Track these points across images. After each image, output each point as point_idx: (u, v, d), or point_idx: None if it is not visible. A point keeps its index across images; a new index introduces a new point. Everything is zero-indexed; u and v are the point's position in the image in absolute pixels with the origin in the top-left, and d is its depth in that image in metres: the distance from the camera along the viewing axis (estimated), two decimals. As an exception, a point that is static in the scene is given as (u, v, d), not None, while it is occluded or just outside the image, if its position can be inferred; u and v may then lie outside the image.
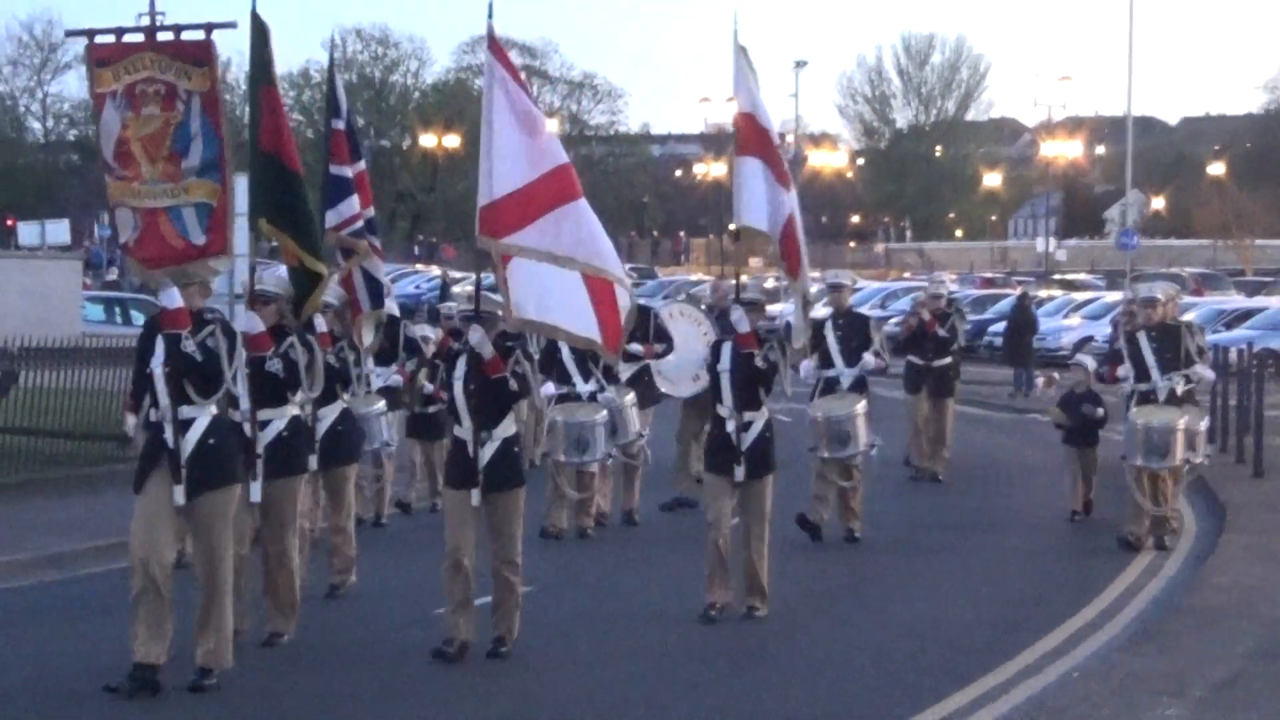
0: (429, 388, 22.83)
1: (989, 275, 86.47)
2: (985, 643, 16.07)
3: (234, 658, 13.87)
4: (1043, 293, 61.90)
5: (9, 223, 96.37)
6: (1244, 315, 52.54)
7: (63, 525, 21.08)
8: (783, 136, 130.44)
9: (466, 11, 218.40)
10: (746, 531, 16.72)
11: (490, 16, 14.97)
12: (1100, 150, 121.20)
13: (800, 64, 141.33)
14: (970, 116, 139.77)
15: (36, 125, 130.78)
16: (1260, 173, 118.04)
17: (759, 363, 16.37)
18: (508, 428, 14.95)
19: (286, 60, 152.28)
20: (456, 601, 14.79)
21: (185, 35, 14.56)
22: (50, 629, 16.22)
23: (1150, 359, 20.47)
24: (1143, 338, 20.69)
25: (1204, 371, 21.32)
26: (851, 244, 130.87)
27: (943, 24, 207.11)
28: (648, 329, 22.84)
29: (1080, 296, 60.50)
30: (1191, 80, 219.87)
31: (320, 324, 17.16)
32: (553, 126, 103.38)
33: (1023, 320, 44.46)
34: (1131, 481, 20.55)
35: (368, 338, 18.80)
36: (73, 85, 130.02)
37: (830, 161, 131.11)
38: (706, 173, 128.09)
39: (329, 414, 17.45)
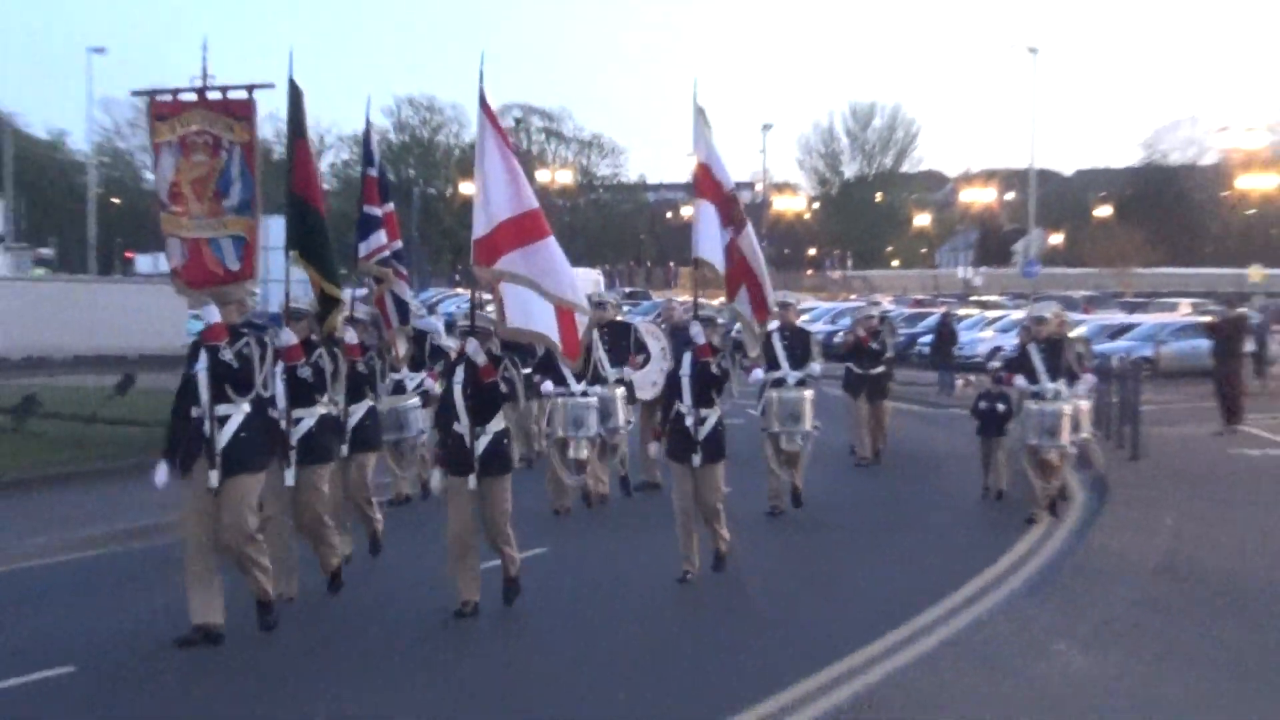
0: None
1: (919, 297, 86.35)
2: (913, 594, 16.05)
3: (278, 619, 13.97)
4: (962, 311, 61.73)
5: (127, 255, 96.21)
6: (1124, 329, 52.62)
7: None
8: (752, 185, 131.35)
9: (496, 84, 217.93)
10: (706, 505, 16.64)
11: (481, 81, 14.92)
12: (1009, 196, 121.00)
13: (767, 126, 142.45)
14: (904, 169, 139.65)
15: (150, 176, 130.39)
16: (1138, 215, 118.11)
17: (714, 369, 16.47)
18: (498, 424, 14.76)
19: (351, 122, 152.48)
20: (464, 569, 14.68)
21: (231, 95, 14.63)
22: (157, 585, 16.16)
23: (1040, 366, 20.72)
24: (1033, 349, 21.04)
25: (1086, 382, 21.37)
26: (809, 271, 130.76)
27: (882, 94, 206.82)
28: (629, 342, 22.83)
29: (992, 314, 60.48)
30: (1084, 138, 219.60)
31: (351, 336, 17.03)
32: (566, 177, 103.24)
33: (945, 333, 44.48)
34: (1027, 462, 20.75)
35: (401, 348, 18.84)
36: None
37: (791, 205, 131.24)
38: (690, 216, 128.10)
39: (358, 410, 17.34)
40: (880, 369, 28.20)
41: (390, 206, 18.99)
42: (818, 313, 64.44)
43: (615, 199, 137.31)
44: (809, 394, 21.32)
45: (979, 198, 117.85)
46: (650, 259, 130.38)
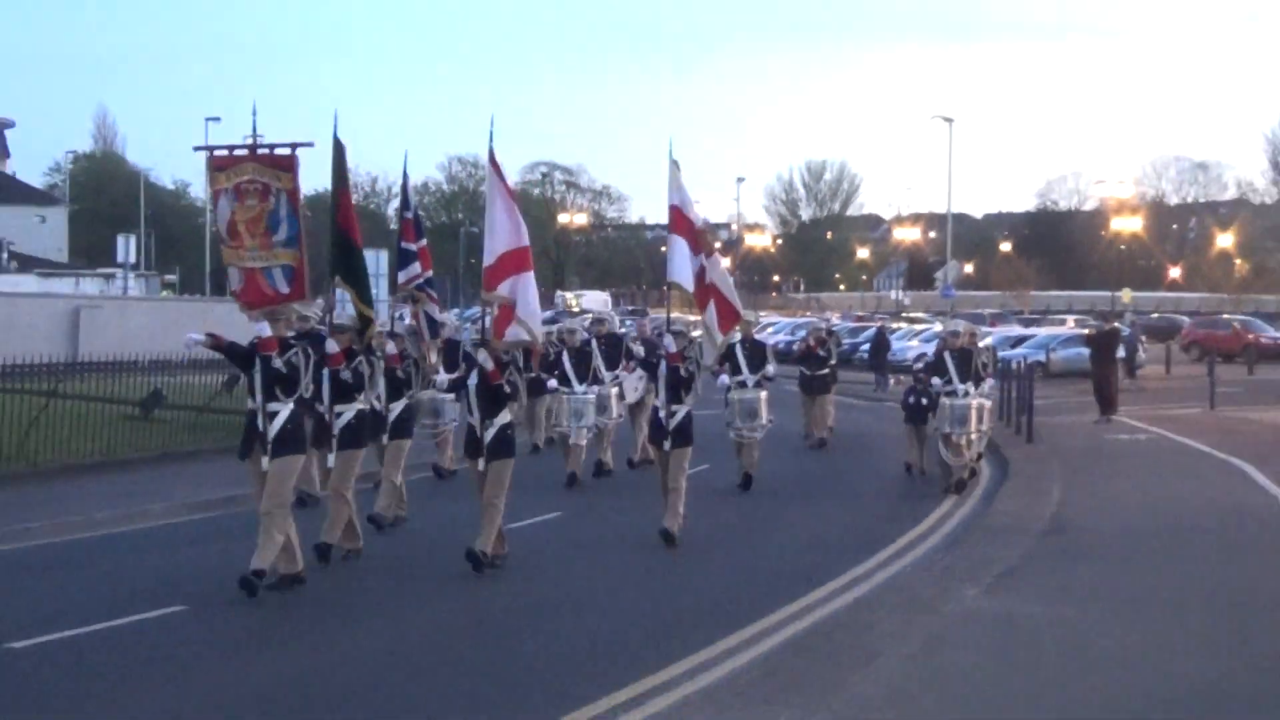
0: None
1: (860, 313, 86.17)
2: (850, 549, 15.99)
3: (256, 590, 13.13)
4: (894, 325, 61.75)
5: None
6: (1022, 339, 52.67)
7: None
8: (728, 225, 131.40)
9: (531, 144, 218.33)
10: (672, 480, 16.37)
11: (490, 141, 14.96)
12: (931, 234, 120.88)
13: (740, 179, 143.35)
14: (849, 212, 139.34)
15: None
16: (1033, 249, 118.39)
17: (683, 372, 16.53)
18: (504, 417, 14.62)
19: (411, 175, 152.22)
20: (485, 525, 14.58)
21: (278, 151, 14.68)
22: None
23: (953, 370, 20.78)
24: (948, 356, 21.07)
25: (987, 384, 21.33)
26: (774, 294, 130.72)
27: (832, 152, 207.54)
28: (620, 352, 23.05)
29: (918, 327, 60.41)
30: (990, 187, 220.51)
31: (391, 347, 16.95)
32: (582, 219, 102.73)
33: (881, 342, 44.47)
34: (940, 445, 20.85)
35: (433, 357, 18.48)
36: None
37: (759, 241, 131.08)
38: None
39: (397, 407, 17.19)
40: (825, 371, 28.17)
41: (424, 242, 18.72)
42: (779, 326, 64.37)
43: (621, 236, 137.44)
44: (764, 394, 21.33)
45: (908, 235, 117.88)
46: (647, 283, 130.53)
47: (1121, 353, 40.46)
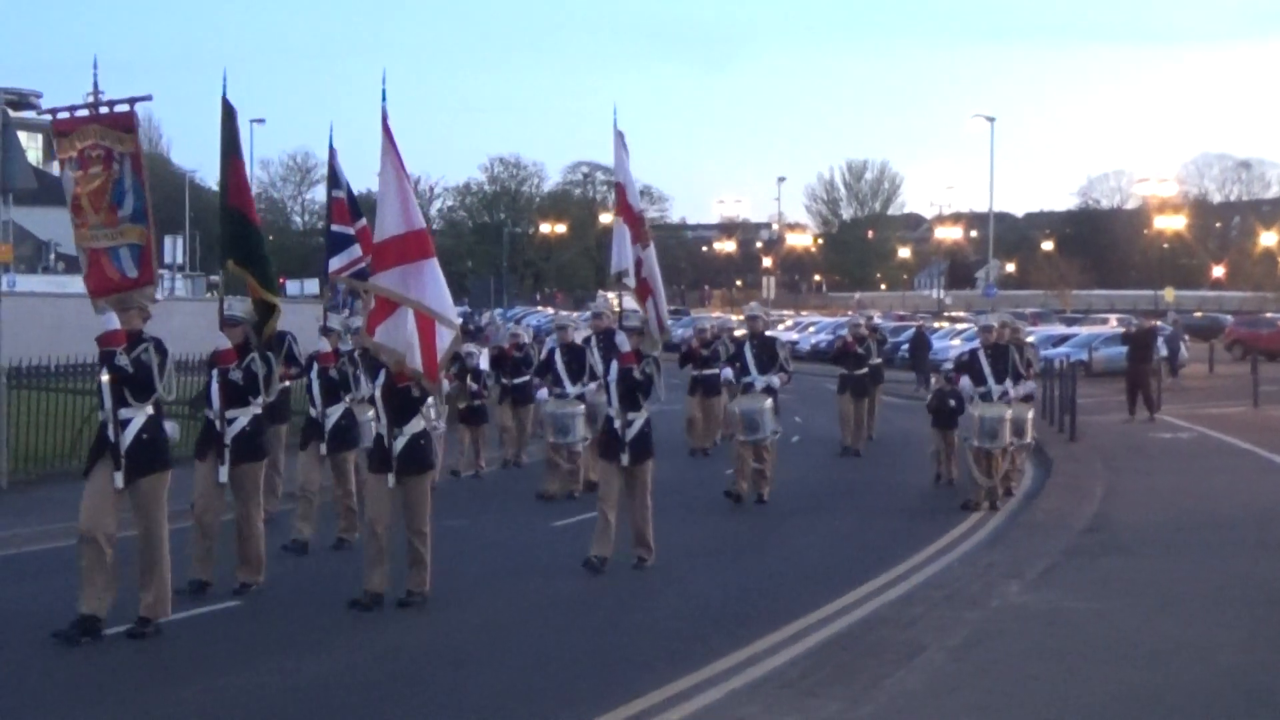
0: (474, 388, 22.72)
1: (901, 313, 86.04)
2: (892, 548, 16.09)
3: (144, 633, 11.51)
4: (935, 324, 61.71)
5: (281, 280, 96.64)
6: (1064, 338, 52.79)
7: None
8: (770, 224, 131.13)
9: (572, 144, 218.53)
10: (634, 503, 14.68)
11: (384, 101, 12.78)
12: (973, 233, 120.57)
13: (781, 178, 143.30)
14: (890, 212, 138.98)
15: (297, 219, 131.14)
16: (1075, 248, 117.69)
17: (637, 374, 14.59)
18: (416, 425, 12.79)
19: (455, 175, 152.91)
20: (370, 559, 12.72)
21: (117, 109, 12.20)
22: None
23: (987, 370, 18.98)
24: (981, 354, 19.25)
25: (1024, 386, 19.42)
26: (816, 293, 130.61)
27: (874, 152, 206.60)
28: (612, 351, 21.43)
29: (960, 326, 60.38)
30: (1032, 186, 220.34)
31: (324, 345, 15.65)
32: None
33: (921, 342, 44.44)
34: (970, 459, 19.02)
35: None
36: (321, 193, 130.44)
37: (801, 241, 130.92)
38: (721, 249, 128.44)
39: (334, 413, 15.81)
40: (864, 370, 26.98)
41: (363, 223, 16.80)
42: (821, 325, 64.47)
43: (661, 236, 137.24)
44: (769, 402, 19.32)
45: (949, 234, 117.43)
46: (687, 284, 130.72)
47: (1164, 351, 40.52)
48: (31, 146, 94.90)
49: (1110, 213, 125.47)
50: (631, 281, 15.66)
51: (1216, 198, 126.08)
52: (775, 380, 19.54)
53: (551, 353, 20.87)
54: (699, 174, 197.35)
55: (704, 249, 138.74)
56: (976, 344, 20.17)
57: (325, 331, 16.00)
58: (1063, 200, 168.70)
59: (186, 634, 11.69)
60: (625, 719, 9.29)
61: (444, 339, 12.67)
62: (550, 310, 74.41)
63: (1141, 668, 10.06)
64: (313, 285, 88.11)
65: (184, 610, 12.20)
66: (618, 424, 14.63)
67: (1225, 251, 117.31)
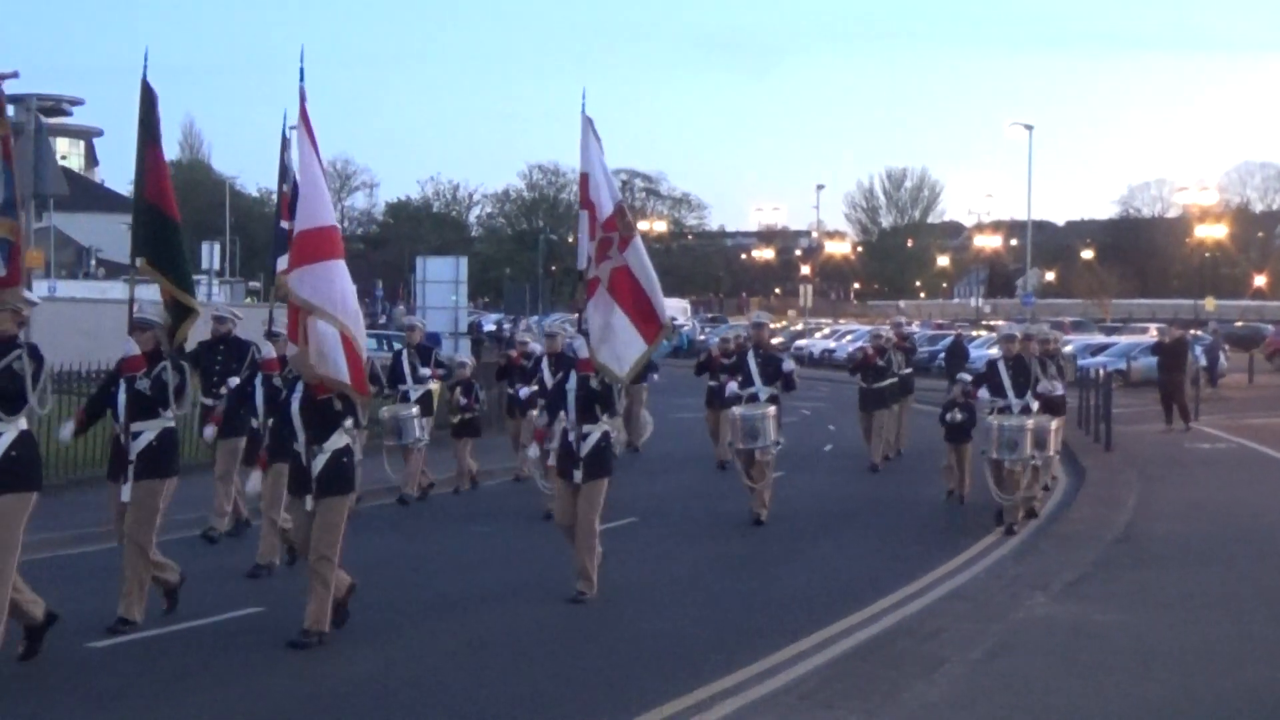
0: (463, 401, 21.55)
1: (940, 321, 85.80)
2: (917, 559, 15.98)
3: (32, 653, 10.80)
4: (973, 333, 61.49)
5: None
6: (1102, 347, 52.67)
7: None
8: (809, 232, 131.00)
9: (612, 151, 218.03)
10: (578, 525, 13.32)
11: (301, 80, 11.50)
12: (1013, 241, 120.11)
13: (820, 186, 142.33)
14: (929, 220, 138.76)
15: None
16: (1116, 256, 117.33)
17: (594, 384, 13.30)
18: (338, 441, 11.51)
19: (492, 183, 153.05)
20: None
21: None
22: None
23: (1006, 382, 17.82)
24: (1001, 365, 18.04)
25: (1049, 385, 18.02)
26: (854, 301, 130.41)
27: (913, 160, 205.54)
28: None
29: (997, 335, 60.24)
30: (1072, 194, 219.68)
31: (270, 351, 14.22)
32: (661, 227, 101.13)
33: (957, 350, 44.17)
34: (988, 473, 17.88)
35: None
36: (361, 200, 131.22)
37: (840, 249, 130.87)
38: (760, 257, 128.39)
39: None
40: (885, 383, 25.51)
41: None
42: (859, 334, 64.17)
43: (700, 244, 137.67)
44: (772, 410, 18.15)
45: (989, 243, 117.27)
46: (725, 292, 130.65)
47: (1203, 361, 40.22)
48: (73, 153, 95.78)
49: (1151, 221, 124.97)
50: (585, 282, 13.89)
51: (1258, 206, 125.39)
52: (778, 391, 18.53)
53: (538, 362, 20.09)
54: (738, 181, 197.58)
55: (742, 256, 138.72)
56: (996, 355, 18.82)
57: (270, 336, 14.61)
58: (1103, 209, 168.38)
59: (209, 639, 11.72)
60: (639, 729, 9.26)
61: (360, 346, 11.49)
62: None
63: (1165, 681, 9.96)
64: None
65: (210, 616, 12.27)
66: (572, 437, 13.38)
67: (1266, 261, 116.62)
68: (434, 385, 20.90)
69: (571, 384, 13.55)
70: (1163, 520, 17.90)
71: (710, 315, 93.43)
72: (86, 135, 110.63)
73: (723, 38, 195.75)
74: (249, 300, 77.57)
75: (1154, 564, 14.80)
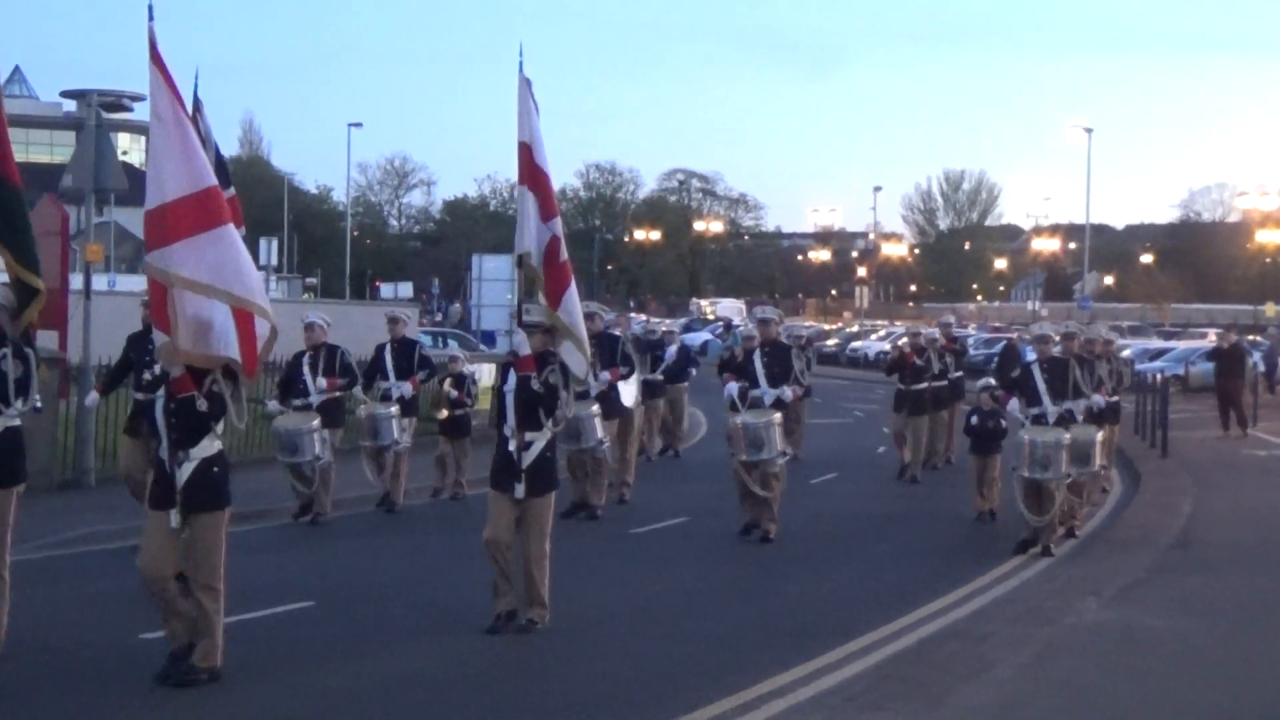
0: (454, 394, 19.92)
1: (996, 324, 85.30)
2: (969, 563, 15.89)
3: None
4: (1028, 336, 61.14)
5: (375, 284, 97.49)
6: (1161, 352, 52.33)
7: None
8: (866, 234, 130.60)
9: (669, 151, 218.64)
10: (526, 547, 11.73)
11: (151, 19, 9.67)
12: (1071, 245, 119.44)
13: (878, 188, 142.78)
14: (987, 223, 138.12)
15: (394, 223, 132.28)
16: (1174, 262, 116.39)
17: (534, 385, 11.60)
18: (208, 448, 9.87)
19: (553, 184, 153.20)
20: (165, 618, 10.12)
21: None
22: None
23: (1041, 387, 15.96)
24: (1036, 369, 16.22)
25: (1093, 399, 16.24)
26: (909, 304, 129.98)
27: (971, 162, 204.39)
28: (615, 355, 18.66)
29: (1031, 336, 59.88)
30: (1131, 198, 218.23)
31: None
32: (718, 227, 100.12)
33: (1011, 354, 43.85)
34: (1017, 492, 16.03)
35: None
36: (418, 197, 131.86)
37: (896, 251, 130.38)
38: (816, 258, 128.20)
39: None
40: (922, 385, 23.72)
41: (231, 192, 14.37)
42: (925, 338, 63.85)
43: (756, 245, 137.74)
44: (776, 417, 16.53)
45: (1047, 246, 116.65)
46: (781, 293, 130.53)
47: (1263, 367, 39.87)
48: (135, 148, 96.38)
49: (1211, 226, 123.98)
50: (537, 261, 12.30)
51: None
52: (787, 393, 16.91)
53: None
54: (795, 182, 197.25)
55: (799, 258, 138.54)
56: (1031, 357, 17.06)
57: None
58: (1163, 213, 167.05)
59: (261, 632, 11.74)
60: (687, 728, 9.26)
61: (261, 325, 10.00)
62: (643, 316, 74.38)
63: (1215, 687, 9.91)
64: (406, 289, 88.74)
65: (257, 610, 12.25)
66: (513, 446, 11.69)
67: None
68: (408, 389, 19.10)
69: (510, 385, 11.80)
70: (1218, 526, 17.79)
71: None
72: (146, 131, 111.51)
73: (782, 39, 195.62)
74: (306, 296, 78.01)
75: (1209, 570, 14.72)
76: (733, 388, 17.07)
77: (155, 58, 9.73)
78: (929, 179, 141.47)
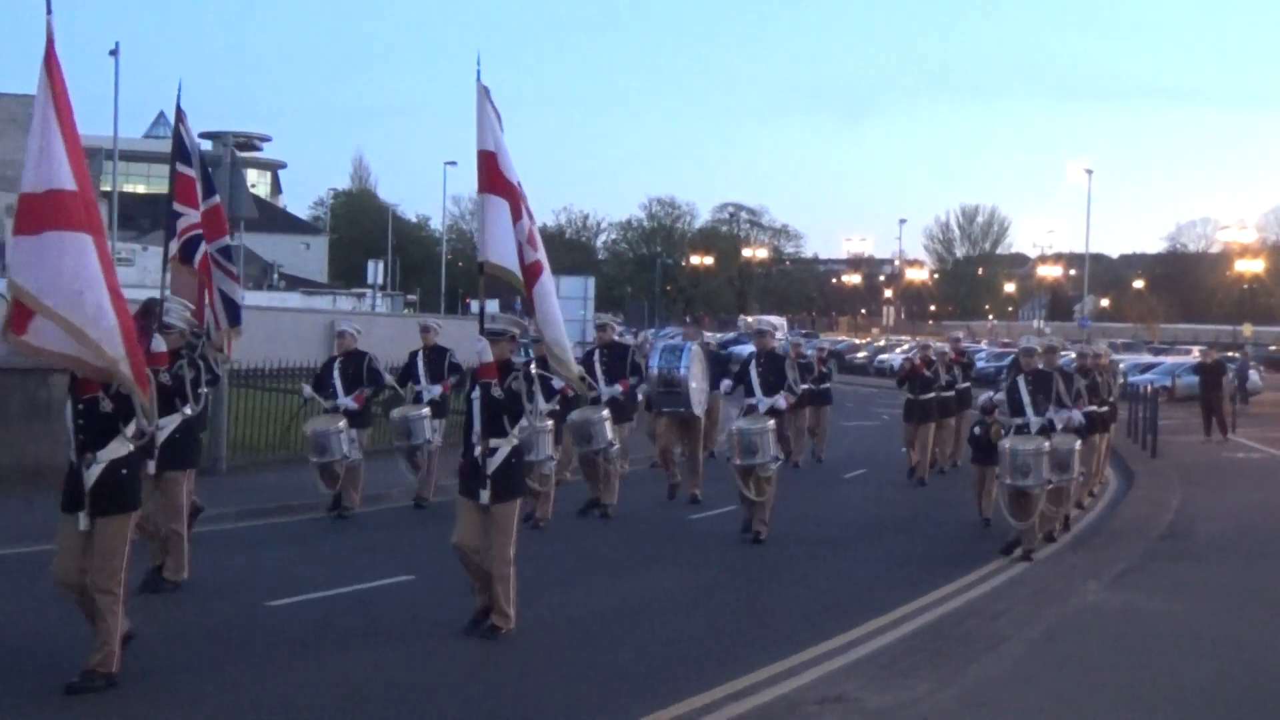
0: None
1: (1005, 340, 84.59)
2: (983, 551, 15.68)
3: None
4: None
5: (465, 300, 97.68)
6: (1150, 366, 52.31)
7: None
8: (891, 261, 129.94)
9: (721, 186, 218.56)
10: (491, 553, 10.45)
11: (50, 12, 8.11)
12: (1072, 272, 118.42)
13: (902, 220, 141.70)
14: (999, 251, 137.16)
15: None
16: (1163, 287, 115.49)
17: (494, 392, 10.51)
18: (116, 449, 8.64)
19: (617, 213, 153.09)
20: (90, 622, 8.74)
21: None
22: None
23: (1025, 400, 14.81)
24: (1021, 382, 15.01)
25: (1068, 414, 14.87)
26: (930, 322, 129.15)
27: (984, 197, 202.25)
28: (625, 365, 17.48)
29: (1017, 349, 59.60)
30: (1125, 229, 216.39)
31: (158, 344, 11.40)
32: (763, 254, 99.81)
33: (1017, 368, 43.57)
34: (1001, 499, 14.83)
35: (231, 349, 14.15)
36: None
37: (919, 275, 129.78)
38: (848, 281, 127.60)
39: (169, 424, 11.49)
40: (930, 395, 22.69)
41: (216, 200, 13.86)
42: (936, 349, 63.44)
43: (796, 269, 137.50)
44: (771, 424, 15.37)
45: (1050, 272, 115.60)
46: (817, 311, 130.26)
47: (1236, 381, 39.44)
48: (261, 182, 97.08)
49: (1196, 255, 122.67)
50: (516, 269, 10.95)
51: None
52: (780, 401, 15.76)
53: (590, 355, 17.59)
54: (830, 214, 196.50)
55: (833, 280, 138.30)
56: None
57: (163, 329, 11.84)
58: (1154, 243, 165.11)
59: (288, 619, 11.47)
60: (737, 690, 9.08)
61: (43, 329, 8.16)
62: (707, 333, 73.85)
63: (1208, 663, 9.71)
64: (492, 305, 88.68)
65: (285, 597, 11.70)
66: (478, 452, 10.56)
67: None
68: (439, 391, 18.01)
69: (475, 393, 10.74)
70: (1203, 520, 17.51)
71: (804, 331, 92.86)
72: (272, 167, 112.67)
73: (821, 89, 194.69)
74: (406, 311, 78.36)
75: (1197, 558, 14.49)
76: (726, 384, 16.90)
77: (50, 57, 8.27)
78: (948, 212, 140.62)
